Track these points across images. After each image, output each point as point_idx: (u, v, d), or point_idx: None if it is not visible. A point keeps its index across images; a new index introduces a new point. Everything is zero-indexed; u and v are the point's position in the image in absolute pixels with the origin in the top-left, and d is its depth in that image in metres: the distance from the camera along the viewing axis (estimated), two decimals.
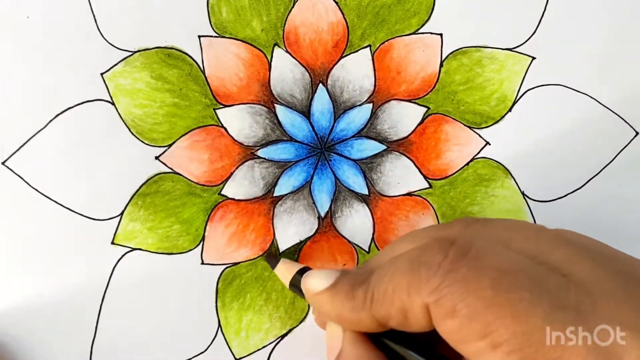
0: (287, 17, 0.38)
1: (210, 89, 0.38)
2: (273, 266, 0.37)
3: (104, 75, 0.37)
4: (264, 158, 0.38)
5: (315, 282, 0.31)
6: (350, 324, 0.30)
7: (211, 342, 0.38)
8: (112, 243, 0.37)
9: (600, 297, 0.25)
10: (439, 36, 0.39)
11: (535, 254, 0.27)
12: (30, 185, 0.37)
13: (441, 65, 0.39)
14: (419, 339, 0.29)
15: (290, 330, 0.38)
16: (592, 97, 0.40)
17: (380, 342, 0.30)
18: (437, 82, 0.39)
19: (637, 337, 0.23)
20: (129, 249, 0.37)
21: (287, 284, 0.35)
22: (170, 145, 0.38)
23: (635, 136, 0.40)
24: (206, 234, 0.38)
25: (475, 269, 0.26)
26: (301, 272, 0.34)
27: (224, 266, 0.38)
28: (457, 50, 0.39)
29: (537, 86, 0.39)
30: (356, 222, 0.39)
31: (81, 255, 0.37)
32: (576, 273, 0.26)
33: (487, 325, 0.24)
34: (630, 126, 0.40)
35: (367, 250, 0.39)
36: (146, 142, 0.37)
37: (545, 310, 0.24)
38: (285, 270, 0.36)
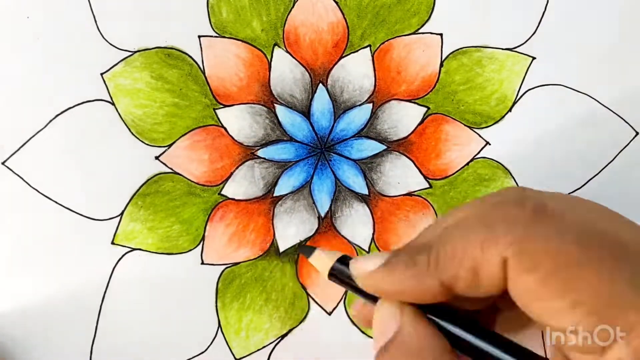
0: (287, 17, 0.38)
1: (210, 89, 0.38)
2: (308, 255, 0.34)
3: (103, 75, 0.37)
4: (264, 158, 0.38)
5: (367, 262, 0.29)
6: (412, 294, 0.28)
7: (211, 342, 0.38)
8: (112, 243, 0.37)
9: None
10: (439, 36, 0.39)
11: (613, 229, 0.26)
12: (30, 185, 0.37)
13: (441, 65, 0.39)
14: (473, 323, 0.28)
15: (290, 331, 0.38)
16: (592, 97, 0.39)
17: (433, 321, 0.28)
18: (437, 82, 0.39)
19: None
20: (129, 249, 0.37)
21: (325, 273, 0.32)
22: (170, 146, 0.38)
23: (636, 136, 0.40)
24: (206, 234, 0.38)
25: (558, 224, 0.25)
26: (341, 260, 0.32)
27: (224, 266, 0.38)
28: (457, 50, 0.39)
29: (537, 86, 0.39)
30: (356, 222, 0.39)
31: (81, 255, 0.37)
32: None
33: (568, 283, 0.24)
34: (631, 126, 0.40)
35: (367, 250, 0.39)
36: (146, 142, 0.37)
37: (629, 276, 0.24)
38: (324, 259, 0.33)
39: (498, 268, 0.25)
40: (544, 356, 0.26)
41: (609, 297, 0.23)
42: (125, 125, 0.37)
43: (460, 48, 0.39)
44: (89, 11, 0.37)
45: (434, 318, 0.28)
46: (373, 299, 0.30)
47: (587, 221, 0.26)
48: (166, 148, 0.37)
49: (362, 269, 0.29)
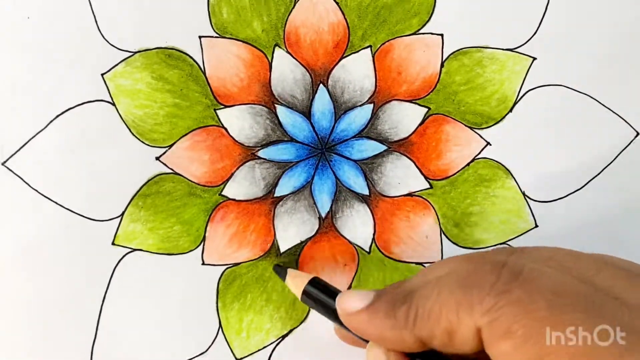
0: (287, 18, 0.38)
1: (211, 90, 0.38)
2: (282, 278, 0.36)
3: (104, 75, 0.37)
4: (265, 159, 0.38)
5: (352, 302, 0.30)
6: (391, 343, 0.29)
7: (212, 343, 0.38)
8: (113, 244, 0.37)
9: None
10: (440, 37, 0.39)
11: (584, 277, 0.26)
12: (30, 186, 0.37)
13: (442, 65, 0.39)
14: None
15: (291, 331, 0.38)
16: (592, 98, 0.39)
17: None
18: (437, 82, 0.39)
19: None
20: (130, 250, 0.37)
21: (299, 296, 0.35)
22: (170, 146, 0.38)
23: (636, 136, 0.40)
24: (207, 234, 0.38)
25: (530, 290, 0.25)
26: (312, 282, 0.34)
27: (225, 267, 0.38)
28: (458, 50, 0.39)
29: (538, 86, 0.39)
30: (357, 223, 0.39)
31: (81, 256, 0.37)
32: (626, 296, 0.25)
33: (542, 347, 0.24)
34: (631, 126, 0.40)
35: (367, 250, 0.39)
36: (147, 142, 0.37)
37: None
38: (296, 282, 0.35)
39: (472, 334, 0.26)
40: None
41: (584, 357, 0.24)
42: (126, 125, 0.37)
43: (461, 48, 0.39)
44: (90, 11, 0.37)
45: None
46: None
47: (562, 282, 0.26)
48: (167, 149, 0.37)
49: (347, 307, 0.31)
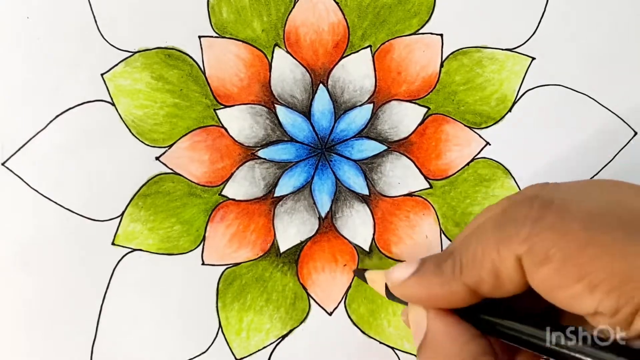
0: (287, 18, 0.38)
1: (211, 90, 0.38)
2: (361, 277, 0.37)
3: (104, 75, 0.37)
4: (265, 159, 0.38)
5: (399, 272, 0.31)
6: (442, 299, 0.29)
7: (212, 343, 0.38)
8: (113, 244, 0.37)
9: None
10: (440, 36, 0.39)
11: (621, 201, 0.27)
12: (30, 186, 0.37)
13: (441, 65, 0.39)
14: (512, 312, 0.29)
15: (291, 331, 0.38)
16: (591, 97, 0.40)
17: (468, 317, 0.30)
18: (437, 82, 0.39)
19: None
20: (130, 250, 0.37)
21: (382, 293, 0.35)
22: (170, 146, 0.38)
23: (634, 136, 0.40)
24: (207, 234, 0.38)
25: (563, 215, 0.26)
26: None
27: (225, 267, 0.38)
28: (458, 50, 0.39)
29: (537, 86, 0.39)
30: (357, 223, 0.39)
31: (82, 256, 0.37)
32: None
33: (582, 267, 0.25)
34: (629, 126, 0.40)
35: (367, 250, 0.39)
36: (146, 142, 0.37)
37: None
38: (375, 280, 0.35)
39: (515, 266, 0.26)
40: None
41: (624, 273, 0.24)
42: (126, 125, 0.37)
43: (461, 48, 0.39)
44: (90, 11, 0.37)
45: (470, 315, 0.29)
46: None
47: (595, 204, 0.27)
48: (166, 149, 0.37)
49: (395, 278, 0.31)
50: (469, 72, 0.39)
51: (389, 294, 0.33)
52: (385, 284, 0.33)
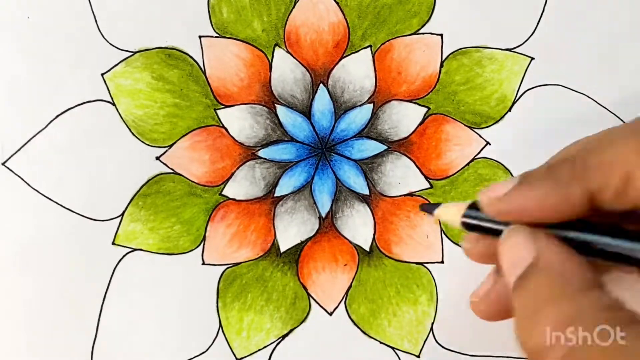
0: (287, 18, 0.38)
1: (211, 89, 0.38)
2: (429, 212, 0.32)
3: (104, 75, 0.37)
4: (265, 158, 0.38)
5: (499, 187, 0.27)
6: (554, 208, 0.26)
7: (212, 342, 0.38)
8: (113, 244, 0.37)
9: None
10: (439, 36, 0.39)
11: None
12: (30, 186, 0.37)
13: (441, 65, 0.39)
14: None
15: (291, 331, 0.38)
16: (590, 97, 0.40)
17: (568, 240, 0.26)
18: (437, 82, 0.39)
19: None
20: (130, 250, 0.37)
21: (456, 224, 0.30)
22: (171, 146, 0.38)
23: None
24: (207, 234, 0.38)
25: None
26: (471, 206, 0.30)
27: (225, 266, 0.38)
28: (457, 50, 0.39)
29: (536, 86, 0.39)
30: (357, 223, 0.39)
31: (82, 256, 0.37)
32: None
33: None
34: None
35: (368, 250, 0.39)
36: (147, 142, 0.37)
37: None
38: (453, 210, 0.30)
39: None
40: None
41: None
42: (126, 125, 0.37)
43: (461, 48, 0.39)
44: (90, 11, 0.37)
45: (574, 236, 0.26)
46: (498, 234, 0.28)
47: None
48: (167, 148, 0.37)
49: (493, 194, 0.27)
50: (469, 72, 0.39)
51: (468, 224, 0.29)
52: (464, 215, 0.29)
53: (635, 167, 0.25)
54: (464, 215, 0.29)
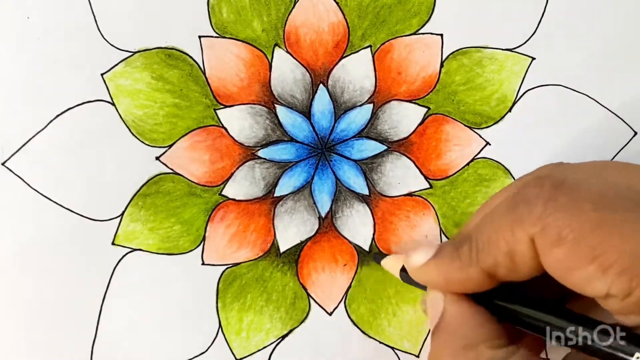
0: (287, 18, 0.38)
1: (211, 90, 0.38)
2: (378, 261, 0.37)
3: (104, 75, 0.37)
4: (265, 158, 0.38)
5: (418, 256, 0.31)
6: (459, 284, 0.29)
7: (212, 343, 0.38)
8: (113, 244, 0.37)
9: None
10: (440, 37, 0.39)
11: (630, 184, 0.27)
12: (30, 186, 0.37)
13: (441, 65, 0.39)
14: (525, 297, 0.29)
15: (291, 331, 0.38)
16: (591, 97, 0.40)
17: (484, 303, 0.30)
18: (437, 82, 0.39)
19: None
20: (130, 250, 0.37)
21: (397, 276, 0.35)
22: (170, 146, 0.38)
23: (634, 136, 0.40)
24: (207, 234, 0.38)
25: (574, 196, 0.26)
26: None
27: (225, 267, 0.38)
28: (458, 50, 0.39)
29: (537, 86, 0.39)
30: (357, 223, 0.39)
31: (82, 256, 0.37)
32: None
33: (594, 249, 0.24)
34: (629, 126, 0.40)
35: (367, 250, 0.39)
36: (146, 142, 0.37)
37: None
38: (392, 265, 0.36)
39: (529, 248, 0.26)
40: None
41: (636, 254, 0.24)
42: (126, 125, 0.37)
43: (461, 48, 0.39)
44: (90, 12, 0.37)
45: (485, 300, 0.30)
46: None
47: (606, 185, 0.27)
48: (166, 148, 0.37)
49: (414, 262, 0.31)
50: (469, 72, 0.39)
51: (405, 277, 0.34)
52: (402, 268, 0.34)
53: (514, 245, 0.27)
54: (401, 270, 0.34)
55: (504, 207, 0.28)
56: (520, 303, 0.29)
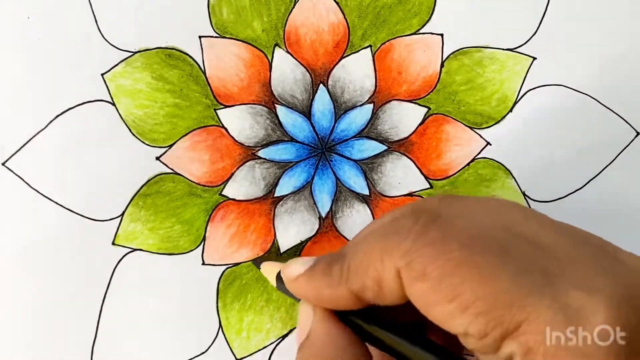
0: (287, 18, 0.38)
1: (211, 90, 0.38)
2: (258, 266, 0.37)
3: (104, 75, 0.37)
4: (265, 158, 0.38)
5: (294, 267, 0.31)
6: (329, 301, 0.30)
7: (212, 343, 0.38)
8: (113, 244, 0.37)
9: (568, 262, 0.25)
10: (440, 36, 0.39)
11: (506, 225, 0.27)
12: (30, 186, 0.37)
13: (442, 65, 0.39)
14: (394, 323, 0.30)
15: (291, 331, 0.38)
16: (592, 97, 0.39)
17: (351, 322, 0.30)
18: (437, 82, 0.39)
19: (604, 300, 0.24)
20: (130, 250, 0.37)
21: (273, 283, 0.35)
22: (171, 146, 0.38)
23: (636, 136, 0.40)
24: (207, 234, 0.38)
25: (445, 233, 0.26)
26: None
27: (225, 267, 0.38)
28: (458, 50, 0.39)
29: (538, 86, 0.39)
30: (357, 222, 0.39)
31: (82, 256, 0.37)
32: (545, 242, 0.26)
33: (455, 288, 0.25)
34: (631, 126, 0.40)
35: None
36: (147, 142, 0.37)
37: (512, 273, 0.24)
38: (269, 271, 0.36)
39: (395, 278, 0.27)
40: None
41: (493, 297, 0.24)
42: (126, 125, 0.37)
43: (461, 48, 0.39)
44: (90, 11, 0.37)
45: (351, 318, 0.30)
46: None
47: (477, 225, 0.27)
48: (167, 148, 0.37)
49: (289, 273, 0.32)
50: (470, 72, 0.39)
51: (280, 286, 0.34)
52: (276, 276, 0.34)
53: (381, 273, 0.27)
54: (277, 278, 0.34)
55: (378, 233, 0.28)
56: (387, 329, 0.30)
